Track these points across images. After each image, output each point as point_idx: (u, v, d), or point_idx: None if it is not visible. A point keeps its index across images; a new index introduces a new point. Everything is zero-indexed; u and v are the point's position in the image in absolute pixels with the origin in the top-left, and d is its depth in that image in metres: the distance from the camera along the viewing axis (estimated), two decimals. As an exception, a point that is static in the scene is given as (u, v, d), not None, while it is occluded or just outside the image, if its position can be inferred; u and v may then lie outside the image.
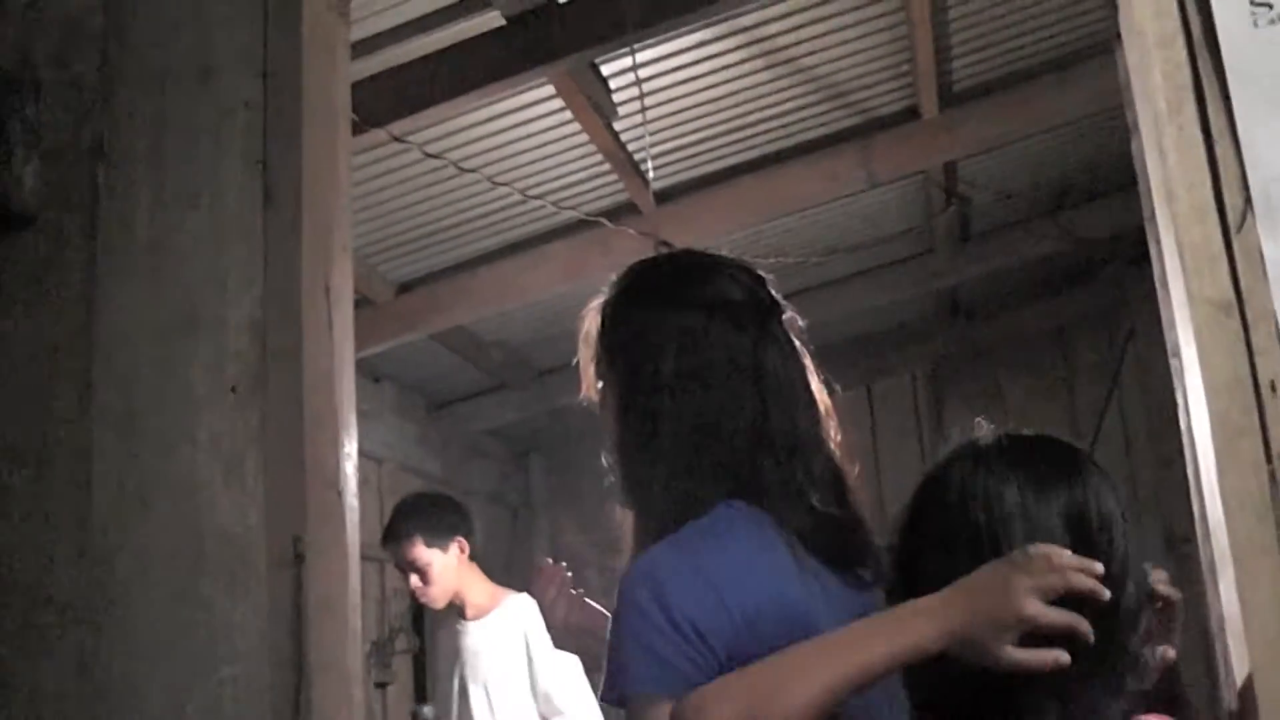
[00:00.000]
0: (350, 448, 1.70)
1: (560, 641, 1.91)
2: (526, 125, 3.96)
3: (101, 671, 1.62)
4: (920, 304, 6.37)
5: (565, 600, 1.85)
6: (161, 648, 1.61)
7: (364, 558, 5.80)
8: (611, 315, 1.64)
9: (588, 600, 1.87)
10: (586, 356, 1.66)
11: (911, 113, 4.47)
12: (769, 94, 4.16)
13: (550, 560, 1.93)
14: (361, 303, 4.73)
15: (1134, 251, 4.36)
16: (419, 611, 5.44)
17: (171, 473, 1.67)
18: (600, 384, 1.63)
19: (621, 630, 1.43)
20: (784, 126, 4.38)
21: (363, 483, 6.03)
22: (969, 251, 5.68)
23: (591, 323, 1.66)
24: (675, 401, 1.52)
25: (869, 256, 5.49)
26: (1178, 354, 1.44)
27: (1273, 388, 1.32)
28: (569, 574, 1.89)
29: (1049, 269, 5.99)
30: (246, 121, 1.76)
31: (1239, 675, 1.31)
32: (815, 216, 4.88)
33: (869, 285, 5.74)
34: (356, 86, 3.49)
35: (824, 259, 5.07)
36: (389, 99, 3.51)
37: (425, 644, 5.16)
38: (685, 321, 1.55)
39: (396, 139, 3.58)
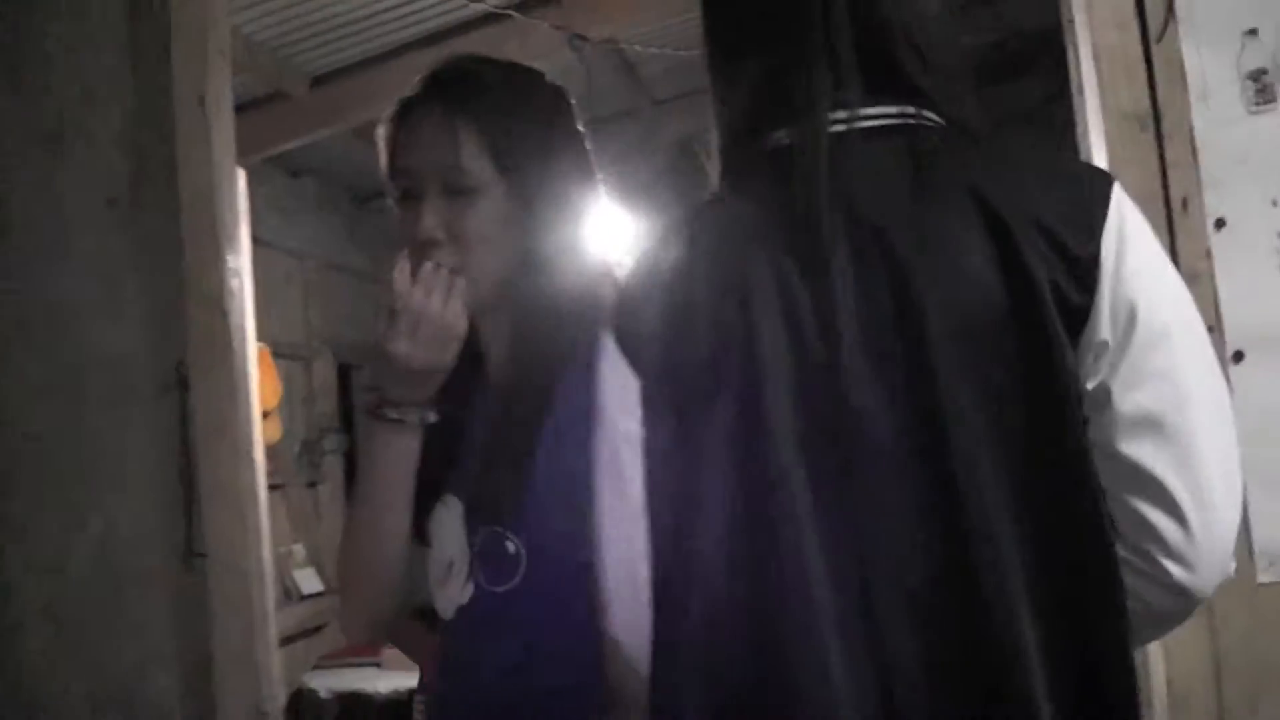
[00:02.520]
0: (235, 263, 1.62)
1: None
2: (440, -93, 3.75)
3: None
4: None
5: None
6: (47, 479, 1.56)
7: (291, 357, 5.73)
8: (514, 125, 1.43)
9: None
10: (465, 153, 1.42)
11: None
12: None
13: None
14: (275, 97, 4.55)
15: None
16: (348, 411, 5.43)
17: (48, 295, 1.59)
18: (474, 189, 1.42)
19: None
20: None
21: (286, 279, 5.92)
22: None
23: (466, 125, 1.41)
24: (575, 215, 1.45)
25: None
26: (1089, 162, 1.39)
27: (1184, 204, 1.27)
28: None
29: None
30: (109, -86, 1.63)
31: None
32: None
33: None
34: None
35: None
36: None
37: (355, 443, 5.16)
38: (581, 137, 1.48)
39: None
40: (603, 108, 4.47)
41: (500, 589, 1.39)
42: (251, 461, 1.64)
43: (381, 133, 1.46)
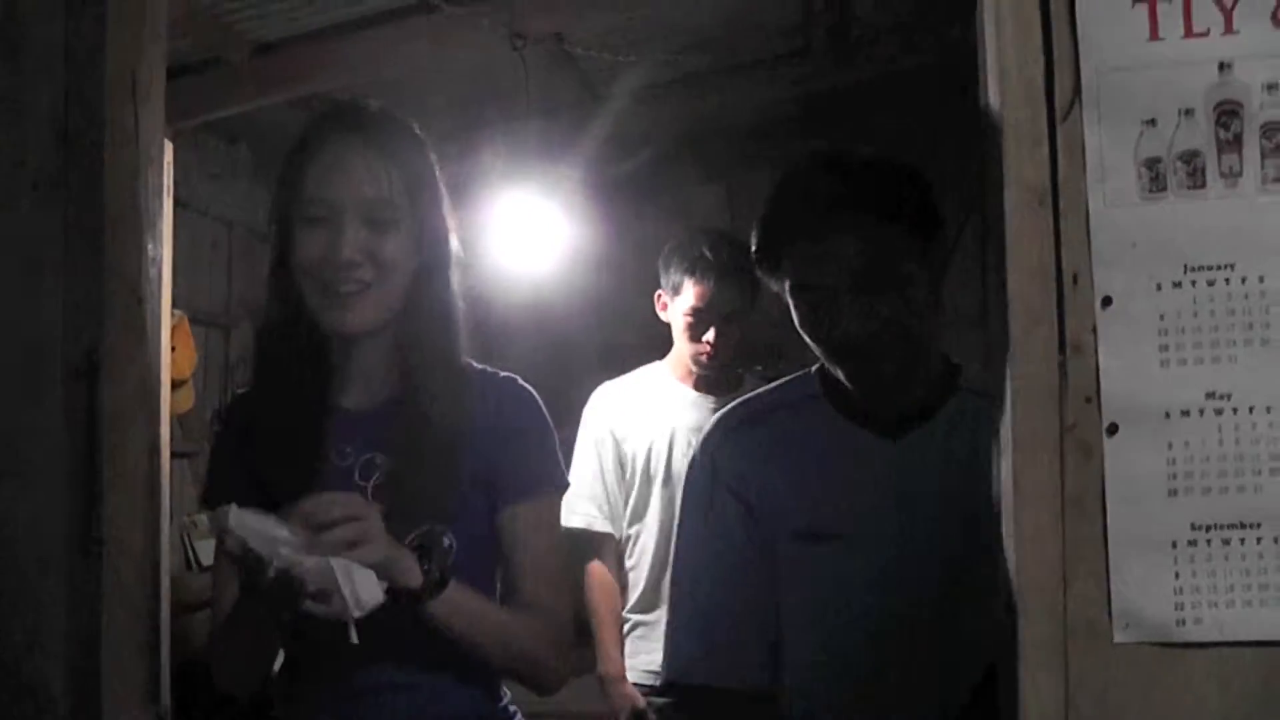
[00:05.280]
0: (156, 252, 1.63)
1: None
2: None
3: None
4: (788, 103, 6.31)
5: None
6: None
7: (211, 324, 5.67)
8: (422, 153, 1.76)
9: None
10: (389, 188, 1.70)
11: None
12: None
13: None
14: (215, 63, 4.52)
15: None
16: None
17: (-37, 271, 1.58)
18: (394, 221, 1.70)
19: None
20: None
21: (212, 246, 5.86)
22: (845, 56, 5.61)
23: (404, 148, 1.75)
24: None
25: (743, 52, 5.39)
26: (991, 231, 1.45)
27: (1074, 280, 1.33)
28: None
29: (923, 80, 5.96)
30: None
31: (1009, 554, 1.35)
32: (688, 6, 4.74)
33: (740, 81, 5.66)
34: None
35: (696, 54, 4.97)
36: None
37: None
38: None
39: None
40: (540, 100, 4.49)
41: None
42: (158, 452, 1.65)
43: (291, 162, 1.71)
